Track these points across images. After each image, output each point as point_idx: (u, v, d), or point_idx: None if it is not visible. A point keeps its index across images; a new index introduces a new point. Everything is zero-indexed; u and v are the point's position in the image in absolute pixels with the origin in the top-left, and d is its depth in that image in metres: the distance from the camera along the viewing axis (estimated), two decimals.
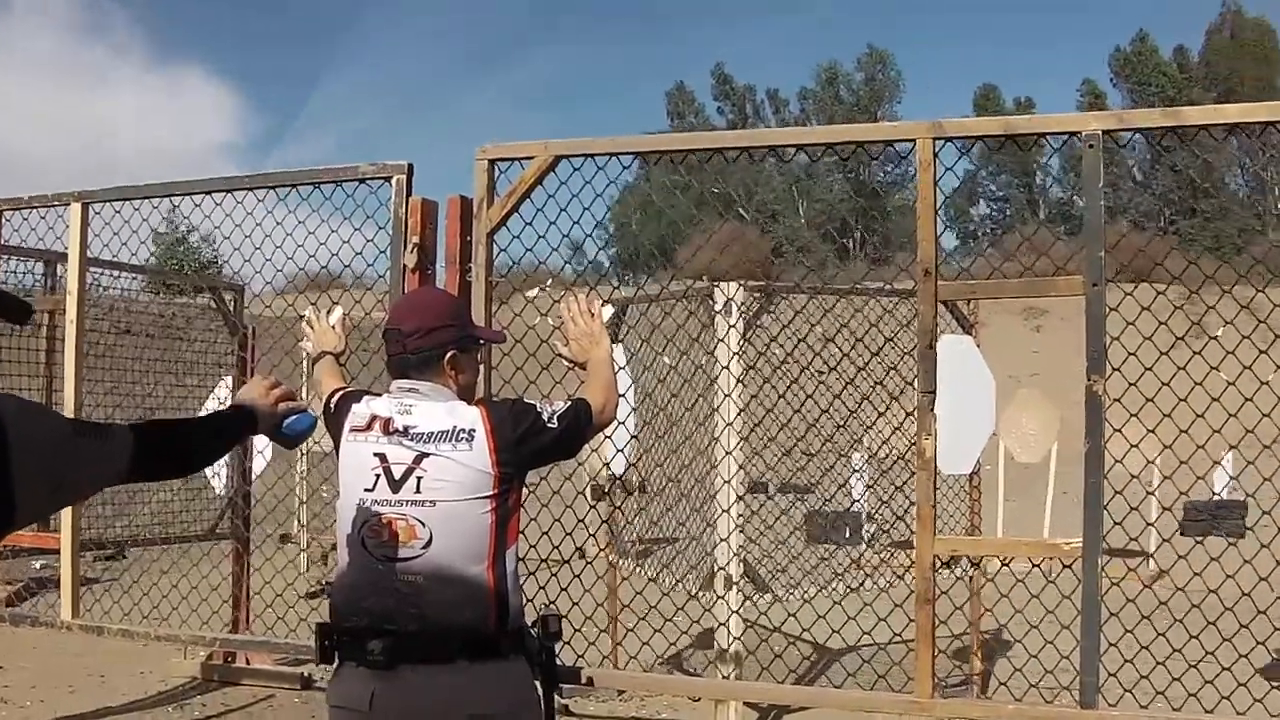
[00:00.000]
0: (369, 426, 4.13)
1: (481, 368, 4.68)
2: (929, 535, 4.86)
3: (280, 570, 7.99)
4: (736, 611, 7.57)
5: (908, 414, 8.91)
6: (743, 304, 7.74)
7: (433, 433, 4.01)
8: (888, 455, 10.22)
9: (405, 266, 5.66)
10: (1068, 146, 4.97)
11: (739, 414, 7.54)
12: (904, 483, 11.83)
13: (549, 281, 6.55)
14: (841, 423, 9.03)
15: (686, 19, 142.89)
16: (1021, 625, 5.64)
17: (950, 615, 7.05)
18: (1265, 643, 5.54)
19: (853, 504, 14.75)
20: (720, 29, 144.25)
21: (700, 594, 8.47)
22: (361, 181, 6.04)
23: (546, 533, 5.93)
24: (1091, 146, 4.60)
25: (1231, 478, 15.16)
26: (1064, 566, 5.33)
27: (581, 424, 4.25)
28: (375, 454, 4.05)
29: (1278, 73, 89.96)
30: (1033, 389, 15.85)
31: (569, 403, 4.26)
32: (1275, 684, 5.62)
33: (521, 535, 5.65)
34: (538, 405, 4.17)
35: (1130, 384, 5.08)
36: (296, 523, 15.88)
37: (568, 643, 5.66)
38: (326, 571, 14.28)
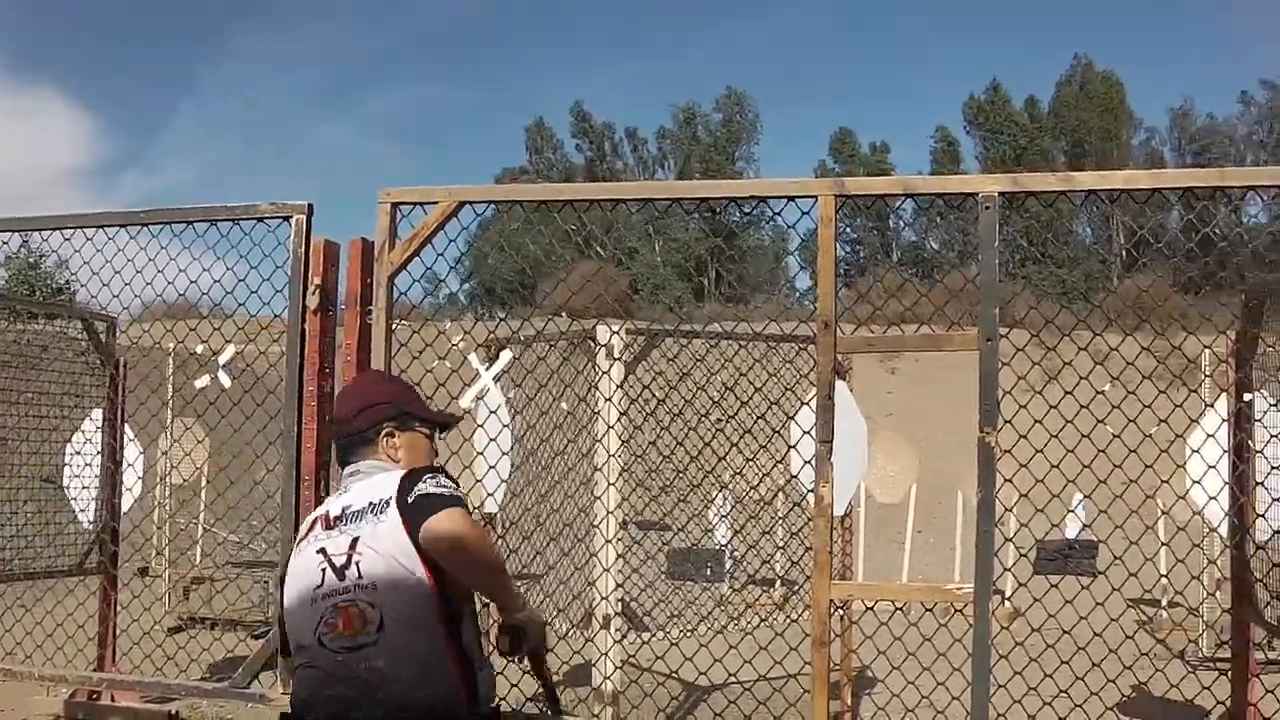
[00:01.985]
0: (309, 531, 4.14)
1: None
2: (826, 580, 4.94)
3: (147, 607, 7.90)
4: (608, 652, 7.62)
5: (776, 461, 9.10)
6: (624, 346, 7.81)
7: (359, 510, 3.99)
8: (750, 497, 10.36)
9: (306, 307, 5.66)
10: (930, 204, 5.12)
11: (610, 458, 7.59)
12: (771, 526, 12.00)
13: (447, 322, 6.55)
14: (710, 468, 9.13)
15: (546, 57, 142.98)
16: (885, 665, 5.76)
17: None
18: (1115, 680, 5.73)
19: (716, 543, 14.92)
20: (578, 68, 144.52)
21: (570, 633, 8.52)
22: (260, 220, 5.97)
23: None
24: (988, 208, 4.75)
25: (1084, 524, 15.53)
26: (926, 609, 5.48)
27: (440, 501, 3.88)
28: (317, 551, 4.00)
29: (1124, 125, 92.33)
30: (892, 431, 16.17)
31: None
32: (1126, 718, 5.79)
33: None
34: (442, 477, 4.02)
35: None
36: (155, 554, 15.63)
37: None
38: (192, 607, 14.12)
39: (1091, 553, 15.97)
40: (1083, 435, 5.34)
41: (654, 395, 8.53)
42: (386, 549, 3.84)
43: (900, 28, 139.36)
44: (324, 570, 3.94)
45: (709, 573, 14.76)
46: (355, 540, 3.91)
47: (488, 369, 6.62)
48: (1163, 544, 6.36)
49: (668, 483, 10.05)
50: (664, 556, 12.82)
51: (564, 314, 8.10)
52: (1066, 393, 5.33)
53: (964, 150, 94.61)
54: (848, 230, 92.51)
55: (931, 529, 20.93)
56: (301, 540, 4.16)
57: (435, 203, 5.52)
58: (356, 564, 3.88)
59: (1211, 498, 6.23)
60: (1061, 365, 5.73)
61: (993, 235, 4.73)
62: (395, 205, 5.58)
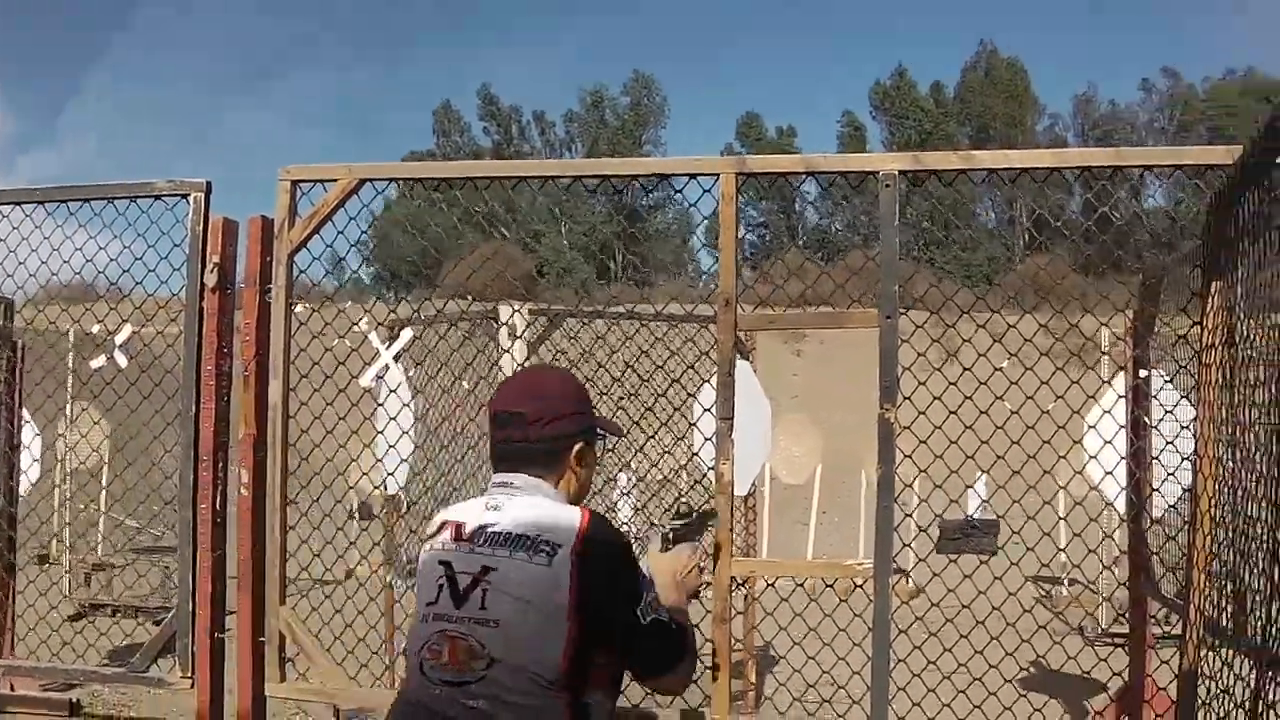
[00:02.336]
0: (438, 532, 3.64)
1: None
2: (727, 557, 4.95)
3: (43, 592, 7.78)
4: None
5: (678, 439, 9.11)
6: (526, 326, 7.79)
7: (511, 535, 3.45)
8: (653, 476, 10.37)
9: (205, 285, 5.58)
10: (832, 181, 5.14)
11: None
12: (673, 504, 12.01)
13: (347, 303, 6.49)
14: (610, 446, 9.11)
15: (453, 40, 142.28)
16: (786, 641, 5.79)
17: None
18: (1014, 655, 5.79)
19: (620, 522, 14.91)
20: (486, 52, 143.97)
21: None
22: (157, 198, 5.82)
23: (319, 554, 5.87)
24: (888, 186, 4.76)
25: (984, 501, 15.66)
26: (826, 585, 5.52)
27: (676, 635, 3.61)
28: (441, 562, 3.53)
29: (1028, 111, 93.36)
30: (797, 413, 16.25)
31: (663, 609, 3.60)
32: (1023, 694, 5.86)
33: (291, 556, 5.67)
34: (642, 567, 3.62)
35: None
36: (56, 542, 15.43)
37: (340, 664, 5.66)
38: (92, 593, 13.95)
39: (992, 530, 16.12)
40: (981, 412, 5.40)
41: (582, 376, 8.51)
42: (528, 596, 3.33)
43: (807, 12, 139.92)
44: (441, 586, 3.48)
45: None
46: (487, 569, 3.41)
47: (388, 348, 6.55)
48: (1060, 519, 6.42)
49: None
50: None
51: (468, 295, 8.06)
52: (965, 369, 5.36)
53: (870, 135, 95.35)
54: (753, 214, 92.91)
55: (836, 508, 21.05)
56: (430, 539, 3.68)
57: (335, 180, 5.45)
58: (483, 594, 3.40)
59: (1108, 473, 6.31)
60: (961, 343, 5.77)
61: (893, 213, 4.75)
62: (295, 183, 5.49)
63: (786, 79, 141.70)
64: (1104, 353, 11.20)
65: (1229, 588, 3.85)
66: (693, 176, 5.06)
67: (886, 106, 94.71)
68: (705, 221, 5.50)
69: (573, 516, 3.45)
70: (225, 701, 5.64)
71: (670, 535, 4.11)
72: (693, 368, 8.70)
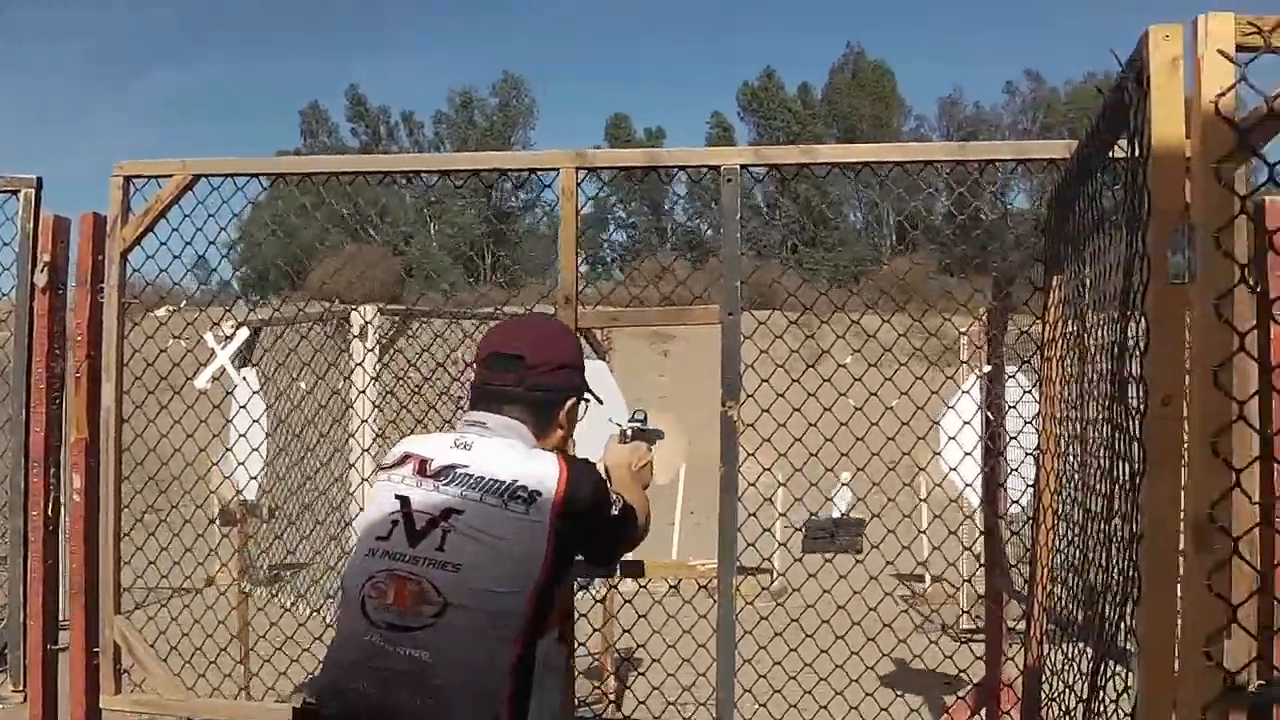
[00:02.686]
0: (399, 464, 3.46)
1: None
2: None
3: None
4: None
5: None
6: (379, 327, 7.71)
7: (483, 479, 3.29)
8: None
9: (35, 285, 5.39)
10: (700, 178, 5.09)
11: (375, 439, 7.48)
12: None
13: (183, 302, 6.35)
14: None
15: (322, 39, 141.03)
16: (660, 645, 5.76)
17: (589, 637, 7.19)
18: (888, 654, 5.82)
19: None
20: (355, 51, 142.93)
21: (330, 625, 8.37)
22: None
23: (178, 562, 5.74)
24: (730, 180, 4.73)
25: (858, 499, 15.78)
26: (700, 587, 5.49)
27: (631, 525, 3.72)
28: (397, 496, 3.36)
29: (894, 112, 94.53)
30: (662, 412, 16.24)
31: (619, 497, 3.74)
32: (900, 693, 5.88)
33: (153, 565, 5.54)
34: (611, 493, 3.64)
35: (763, 410, 5.27)
36: None
37: (203, 675, 5.54)
38: None
39: (858, 529, 16.24)
40: (856, 408, 5.41)
41: (416, 376, 8.43)
42: (500, 543, 3.21)
43: (675, 14, 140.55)
44: (396, 522, 3.30)
45: None
46: (451, 510, 3.25)
47: (223, 348, 6.43)
48: (935, 516, 6.46)
49: None
50: None
51: (334, 297, 7.97)
52: (840, 365, 5.38)
53: (739, 136, 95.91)
54: (621, 214, 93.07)
55: (702, 509, 21.09)
56: (388, 469, 3.49)
57: (169, 176, 5.27)
58: (443, 536, 3.22)
59: (952, 469, 6.35)
60: (832, 341, 5.78)
61: (735, 208, 4.71)
62: (129, 179, 5.34)
63: (655, 80, 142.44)
64: (963, 361, 11.33)
65: (1071, 581, 3.86)
66: (532, 171, 4.99)
67: (754, 108, 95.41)
68: (588, 228, 5.44)
69: (550, 465, 3.34)
70: (60, 714, 5.47)
71: (629, 432, 4.28)
72: None
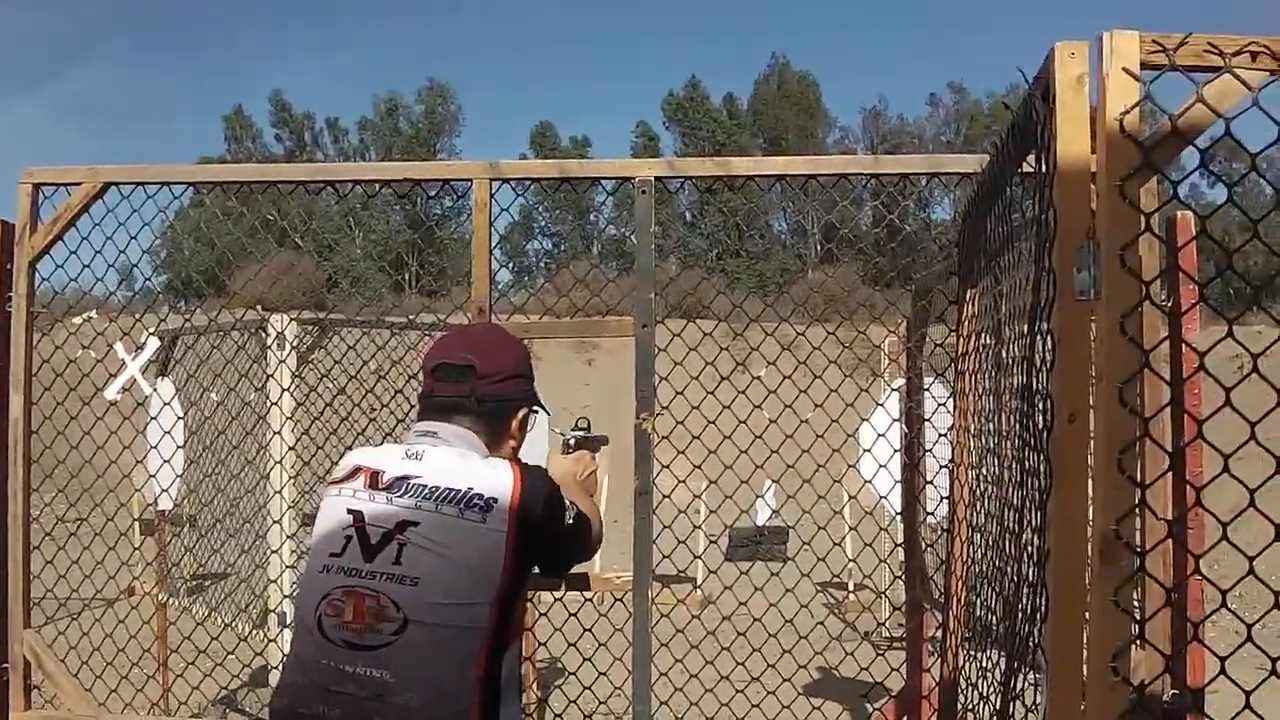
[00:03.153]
0: (349, 477, 3.35)
1: None
2: None
3: None
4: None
5: None
6: (295, 337, 7.64)
7: (437, 489, 3.21)
8: None
9: None
10: (614, 189, 5.09)
11: (288, 451, 7.41)
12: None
13: (93, 311, 6.27)
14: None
15: (246, 43, 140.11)
16: (576, 657, 5.75)
17: None
18: (807, 665, 5.83)
19: None
20: (279, 57, 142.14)
21: (252, 634, 8.30)
22: None
23: (89, 576, 5.66)
24: (644, 192, 4.72)
25: (774, 511, 15.85)
26: (616, 599, 5.48)
27: (585, 533, 3.62)
28: (350, 510, 3.26)
29: (819, 123, 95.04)
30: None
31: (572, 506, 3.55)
32: (819, 704, 5.89)
33: (63, 578, 5.46)
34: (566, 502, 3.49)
35: (678, 422, 5.28)
36: None
37: (114, 690, 5.46)
38: None
39: (781, 539, 16.31)
40: (770, 420, 5.41)
41: (331, 386, 8.37)
42: (458, 553, 3.12)
43: (601, 22, 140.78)
44: (350, 537, 3.20)
45: None
46: (406, 524, 3.15)
47: (134, 358, 6.36)
48: (832, 527, 6.49)
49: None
50: None
51: (258, 305, 7.90)
52: (755, 377, 5.38)
53: (664, 145, 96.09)
54: (547, 221, 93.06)
55: (627, 519, 21.12)
56: (338, 484, 3.37)
57: (79, 183, 5.18)
58: (399, 549, 3.13)
59: (866, 481, 6.39)
60: (748, 352, 5.79)
61: (648, 219, 4.71)
62: (37, 186, 5.26)
63: (581, 89, 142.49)
64: (877, 373, 11.40)
65: (986, 592, 3.89)
66: (446, 182, 4.98)
67: (680, 118, 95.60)
68: (499, 231, 5.43)
69: (505, 472, 3.26)
70: None
71: (572, 442, 4.38)
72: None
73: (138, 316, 5.85)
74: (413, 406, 7.94)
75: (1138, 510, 2.23)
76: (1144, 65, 2.27)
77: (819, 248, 78.54)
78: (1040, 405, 2.54)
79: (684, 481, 5.77)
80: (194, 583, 9.16)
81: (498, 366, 3.51)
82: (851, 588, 14.29)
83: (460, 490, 3.18)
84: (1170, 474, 3.36)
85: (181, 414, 7.56)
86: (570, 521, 3.47)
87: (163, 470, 7.00)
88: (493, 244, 4.81)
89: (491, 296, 4.75)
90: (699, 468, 5.47)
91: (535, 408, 3.72)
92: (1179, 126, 2.28)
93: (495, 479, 3.22)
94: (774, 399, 5.41)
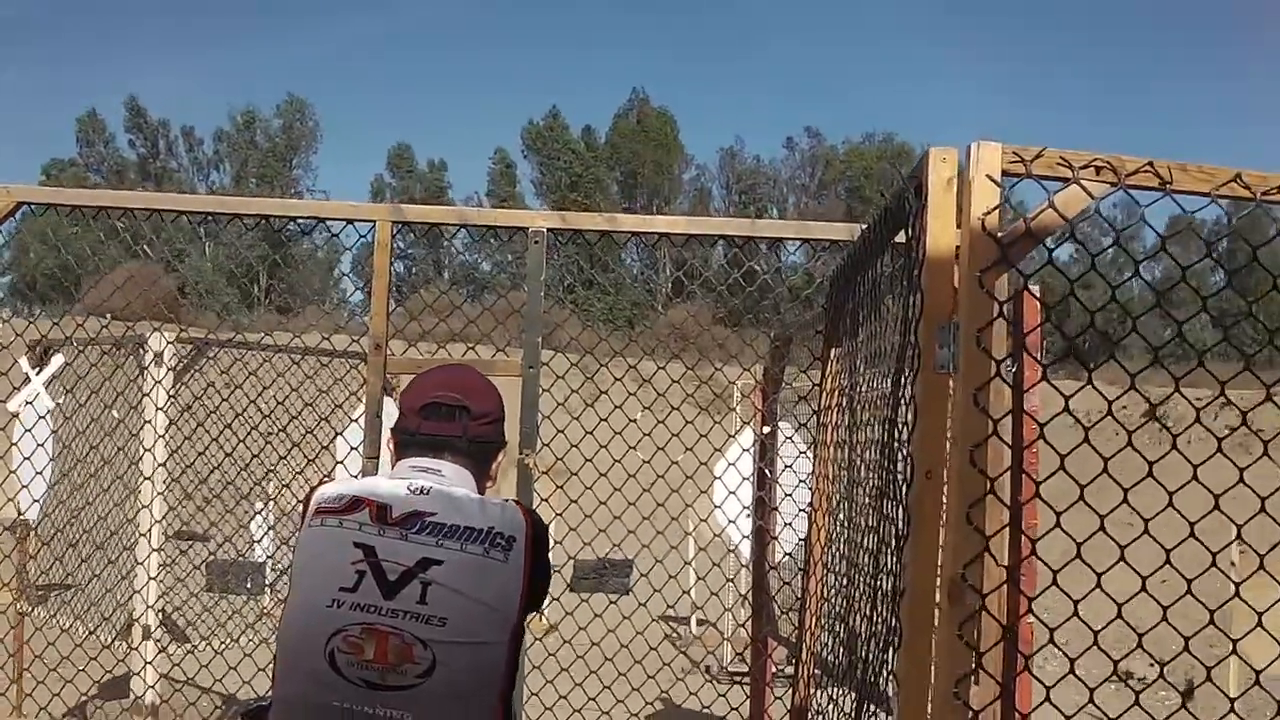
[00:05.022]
0: (348, 509, 3.17)
1: None
2: None
3: None
4: (150, 662, 7.55)
5: (324, 477, 9.17)
6: (172, 356, 7.75)
7: (457, 527, 3.11)
8: (296, 511, 10.39)
9: None
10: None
11: (159, 467, 7.53)
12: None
13: None
14: (258, 480, 9.14)
15: (100, 44, 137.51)
16: None
17: None
18: (651, 699, 6.10)
19: (258, 556, 14.76)
20: (135, 59, 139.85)
21: (114, 644, 8.38)
22: None
23: None
24: (537, 242, 5.01)
25: (644, 545, 16.06)
26: None
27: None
28: (358, 544, 3.07)
29: (675, 159, 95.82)
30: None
31: None
32: None
33: None
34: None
35: (544, 444, 5.54)
36: None
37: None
38: None
39: (625, 570, 16.52)
40: (630, 447, 5.68)
41: (205, 406, 8.49)
42: (485, 593, 3.04)
43: (463, 50, 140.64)
44: (362, 574, 3.03)
45: (249, 585, 14.57)
46: (428, 561, 3.03)
47: (38, 373, 6.46)
48: (686, 563, 6.77)
49: (214, 494, 9.99)
50: (205, 569, 12.62)
51: (107, 315, 7.96)
52: (617, 407, 5.65)
53: (521, 173, 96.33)
54: (400, 246, 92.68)
55: None
56: (335, 514, 3.19)
57: None
58: (424, 586, 2.99)
59: (731, 521, 6.69)
60: (609, 386, 6.05)
61: (539, 268, 5.00)
62: None
63: (439, 112, 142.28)
64: (733, 408, 11.73)
65: (839, 629, 4.19)
66: (350, 222, 5.22)
67: (539, 147, 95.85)
68: (350, 253, 5.65)
69: (515, 510, 3.23)
70: None
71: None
72: (340, 406, 8.79)
73: (45, 334, 5.96)
74: (281, 430, 8.11)
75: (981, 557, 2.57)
76: (1005, 173, 2.62)
77: (670, 286, 79.05)
78: (901, 461, 2.87)
79: (560, 515, 6.02)
80: (52, 593, 9.20)
81: (488, 409, 3.47)
82: (694, 624, 14.58)
83: (482, 529, 3.10)
84: (1009, 527, 3.76)
85: (54, 427, 7.63)
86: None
87: (34, 481, 7.09)
88: (348, 269, 5.04)
89: (387, 331, 4.98)
90: (545, 500, 5.69)
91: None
92: (1032, 228, 2.64)
93: (511, 518, 3.18)
94: (632, 431, 5.69)
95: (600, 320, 61.02)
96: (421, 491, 3.19)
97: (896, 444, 2.99)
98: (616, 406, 5.86)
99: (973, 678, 2.56)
